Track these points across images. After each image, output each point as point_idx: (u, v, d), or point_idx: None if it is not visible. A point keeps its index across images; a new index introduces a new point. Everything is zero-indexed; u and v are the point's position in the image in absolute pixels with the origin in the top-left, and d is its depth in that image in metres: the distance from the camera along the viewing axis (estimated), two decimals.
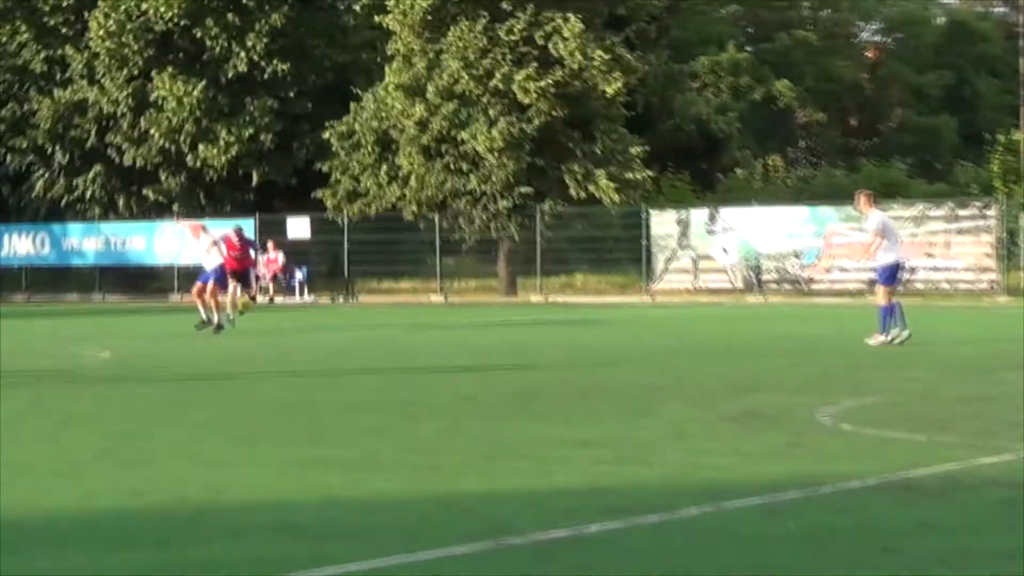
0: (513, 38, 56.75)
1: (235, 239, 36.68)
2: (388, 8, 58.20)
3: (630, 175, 57.01)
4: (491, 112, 56.74)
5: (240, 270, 35.84)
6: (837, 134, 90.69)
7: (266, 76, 62.39)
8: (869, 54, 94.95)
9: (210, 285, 34.19)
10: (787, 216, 54.41)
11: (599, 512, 10.83)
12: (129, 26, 62.17)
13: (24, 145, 66.28)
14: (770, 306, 48.92)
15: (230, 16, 61.69)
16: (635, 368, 24.44)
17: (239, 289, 35.51)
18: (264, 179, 63.23)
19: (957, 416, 16.62)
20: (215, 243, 35.57)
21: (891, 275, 28.17)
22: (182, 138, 62.48)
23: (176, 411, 18.62)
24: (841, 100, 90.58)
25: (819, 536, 10.15)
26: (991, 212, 49.96)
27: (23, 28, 65.71)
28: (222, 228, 59.83)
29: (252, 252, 40.25)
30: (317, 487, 12.36)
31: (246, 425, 16.83)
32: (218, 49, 62.32)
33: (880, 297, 28.07)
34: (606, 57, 56.37)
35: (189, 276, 62.48)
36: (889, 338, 26.92)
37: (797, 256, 52.79)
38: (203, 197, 64.95)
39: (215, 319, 33.96)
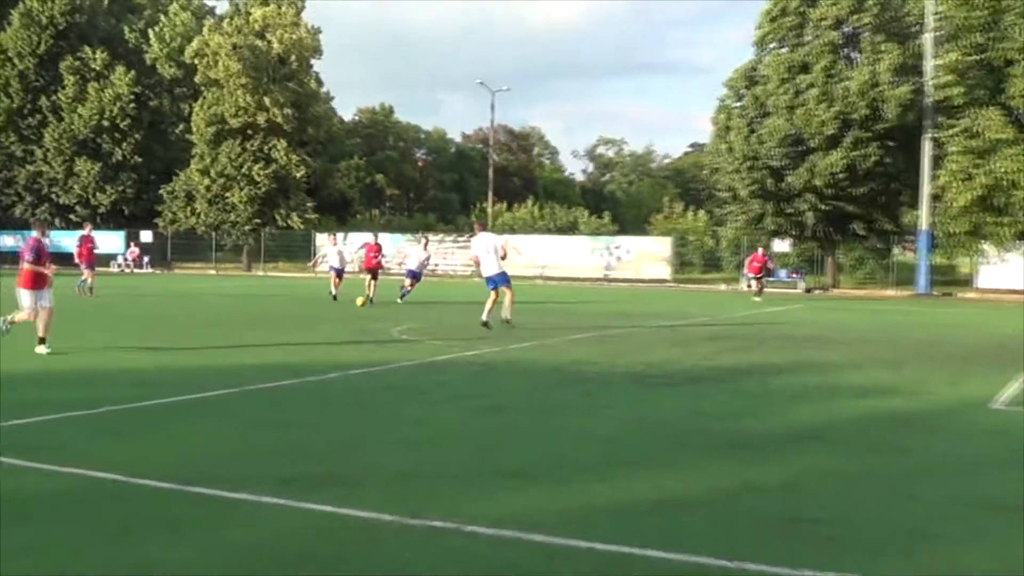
0: (253, 148, 55.43)
1: (375, 246, 28.91)
2: (192, 132, 56.28)
3: (308, 216, 56.47)
4: (241, 184, 55.28)
5: (374, 268, 27.91)
6: (404, 201, 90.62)
7: (131, 162, 59.16)
8: (420, 163, 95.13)
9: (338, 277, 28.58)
10: (383, 239, 54.05)
11: (288, 375, 11.02)
12: (67, 136, 58.42)
13: (12, 193, 61.74)
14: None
15: (116, 133, 58.47)
16: (304, 307, 24.36)
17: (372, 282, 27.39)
18: (131, 212, 60.30)
19: (456, 332, 17.16)
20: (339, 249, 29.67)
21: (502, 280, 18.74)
22: (89, 190, 58.99)
23: (106, 319, 17.76)
24: (407, 185, 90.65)
25: (395, 386, 10.51)
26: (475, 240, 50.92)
27: (12, 136, 60.91)
28: (115, 237, 57.67)
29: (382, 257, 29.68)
30: (156, 362, 12.14)
31: (138, 331, 16.22)
32: (107, 147, 58.90)
33: (509, 297, 18.40)
34: (296, 160, 55.65)
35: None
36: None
37: (384, 256, 52.72)
38: (99, 220, 61.20)
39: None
